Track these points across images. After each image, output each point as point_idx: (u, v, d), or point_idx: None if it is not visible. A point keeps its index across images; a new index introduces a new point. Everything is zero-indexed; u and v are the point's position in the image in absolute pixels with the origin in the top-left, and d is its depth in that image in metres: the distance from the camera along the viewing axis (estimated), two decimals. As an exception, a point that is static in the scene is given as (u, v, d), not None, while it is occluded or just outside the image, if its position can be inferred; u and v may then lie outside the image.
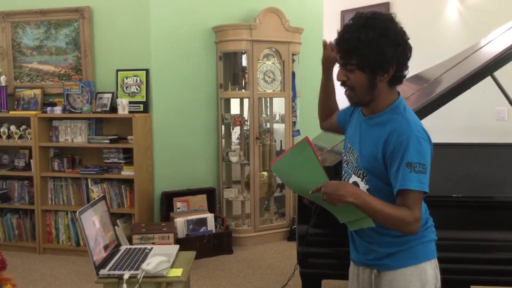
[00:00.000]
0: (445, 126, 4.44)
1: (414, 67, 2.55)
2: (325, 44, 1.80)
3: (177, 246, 2.12)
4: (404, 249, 1.56)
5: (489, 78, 2.41)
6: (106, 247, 2.00)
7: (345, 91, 1.57)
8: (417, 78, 3.08)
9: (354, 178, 1.61)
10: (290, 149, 1.57)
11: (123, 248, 2.10)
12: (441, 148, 2.46)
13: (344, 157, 1.71)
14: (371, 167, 1.55)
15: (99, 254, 1.91)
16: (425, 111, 2.22)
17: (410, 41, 1.51)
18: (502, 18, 3.40)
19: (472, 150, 2.64)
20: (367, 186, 1.57)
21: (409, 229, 1.46)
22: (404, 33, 1.50)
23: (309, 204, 2.30)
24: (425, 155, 1.47)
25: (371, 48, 1.45)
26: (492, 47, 2.62)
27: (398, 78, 1.52)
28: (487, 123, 4.43)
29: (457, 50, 3.18)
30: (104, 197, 2.17)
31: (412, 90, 2.71)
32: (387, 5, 5.13)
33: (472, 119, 4.53)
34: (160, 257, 1.89)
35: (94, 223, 1.95)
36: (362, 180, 1.59)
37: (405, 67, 1.52)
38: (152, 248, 2.10)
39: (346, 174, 1.68)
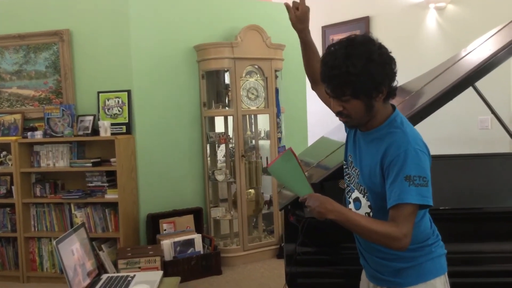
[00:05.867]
0: (428, 135, 4.39)
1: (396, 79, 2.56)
2: (287, 7, 1.75)
3: (161, 272, 2.06)
4: (413, 265, 1.54)
5: (471, 87, 2.40)
6: (87, 276, 1.93)
7: (342, 118, 1.54)
8: (400, 90, 3.05)
9: (356, 194, 1.60)
10: (277, 158, 1.60)
11: (104, 276, 2.03)
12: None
13: (346, 170, 1.69)
14: (372, 183, 1.53)
15: (78, 285, 1.84)
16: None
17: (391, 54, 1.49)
18: (481, 28, 3.43)
19: (458, 161, 2.63)
20: (368, 203, 1.56)
21: (398, 245, 1.42)
22: (385, 48, 1.48)
23: (295, 222, 2.26)
24: (425, 167, 1.44)
25: (362, 77, 1.41)
26: (472, 58, 2.62)
27: (391, 92, 1.51)
28: (470, 133, 4.44)
29: (438, 61, 3.19)
30: (83, 224, 2.10)
31: (396, 102, 2.69)
32: (367, 19, 5.15)
33: (455, 129, 4.54)
34: (143, 285, 1.83)
35: (73, 252, 1.88)
36: (363, 196, 1.57)
37: (395, 80, 1.51)
38: (135, 275, 2.03)
39: (348, 188, 1.66)
